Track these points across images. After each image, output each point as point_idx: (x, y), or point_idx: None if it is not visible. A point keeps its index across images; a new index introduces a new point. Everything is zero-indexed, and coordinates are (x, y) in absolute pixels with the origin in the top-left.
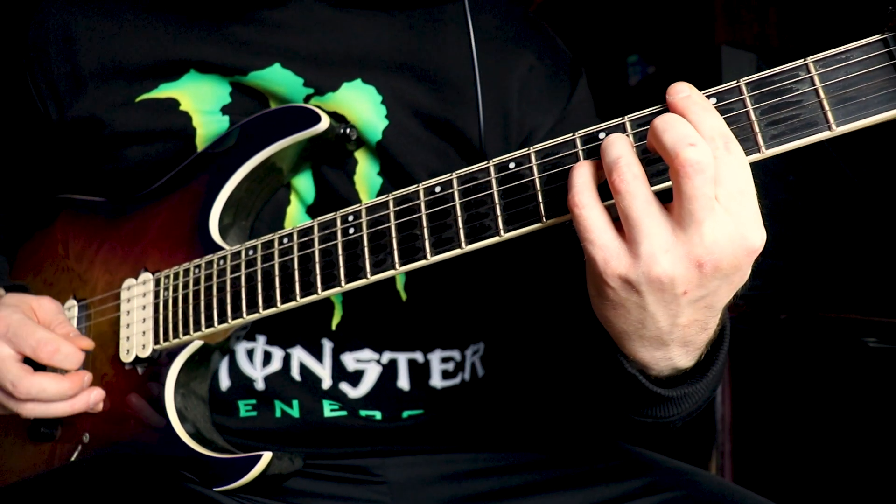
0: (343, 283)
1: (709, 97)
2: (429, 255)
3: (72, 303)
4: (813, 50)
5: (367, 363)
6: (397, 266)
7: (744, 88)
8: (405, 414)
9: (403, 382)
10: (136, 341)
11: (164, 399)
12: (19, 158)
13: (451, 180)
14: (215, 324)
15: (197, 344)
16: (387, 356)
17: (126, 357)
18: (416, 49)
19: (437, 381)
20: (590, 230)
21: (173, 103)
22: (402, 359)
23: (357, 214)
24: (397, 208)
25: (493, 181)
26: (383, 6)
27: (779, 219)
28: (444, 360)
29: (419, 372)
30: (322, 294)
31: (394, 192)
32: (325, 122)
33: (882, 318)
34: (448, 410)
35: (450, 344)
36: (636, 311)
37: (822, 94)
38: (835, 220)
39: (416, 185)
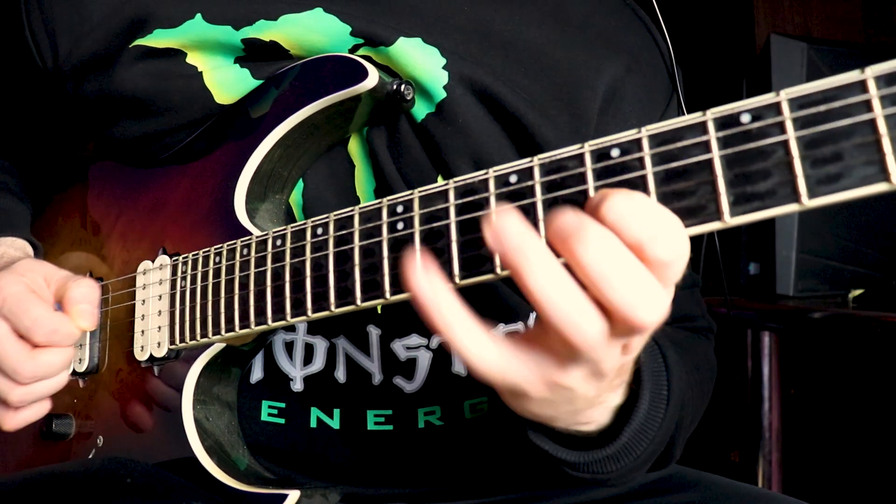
0: (388, 294)
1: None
2: (498, 270)
3: None
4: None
5: (416, 350)
6: (457, 280)
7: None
8: (466, 404)
9: (459, 366)
10: (150, 337)
11: (181, 407)
12: (24, 113)
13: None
14: (236, 328)
15: (219, 346)
16: (436, 339)
17: (140, 354)
18: (491, 19)
19: None
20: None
21: (178, 53)
22: None
23: (408, 206)
24: (459, 201)
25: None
26: None
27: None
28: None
29: None
30: (361, 305)
31: (456, 179)
32: (373, 78)
33: None
34: None
35: (513, 317)
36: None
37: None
38: None
39: (483, 172)
